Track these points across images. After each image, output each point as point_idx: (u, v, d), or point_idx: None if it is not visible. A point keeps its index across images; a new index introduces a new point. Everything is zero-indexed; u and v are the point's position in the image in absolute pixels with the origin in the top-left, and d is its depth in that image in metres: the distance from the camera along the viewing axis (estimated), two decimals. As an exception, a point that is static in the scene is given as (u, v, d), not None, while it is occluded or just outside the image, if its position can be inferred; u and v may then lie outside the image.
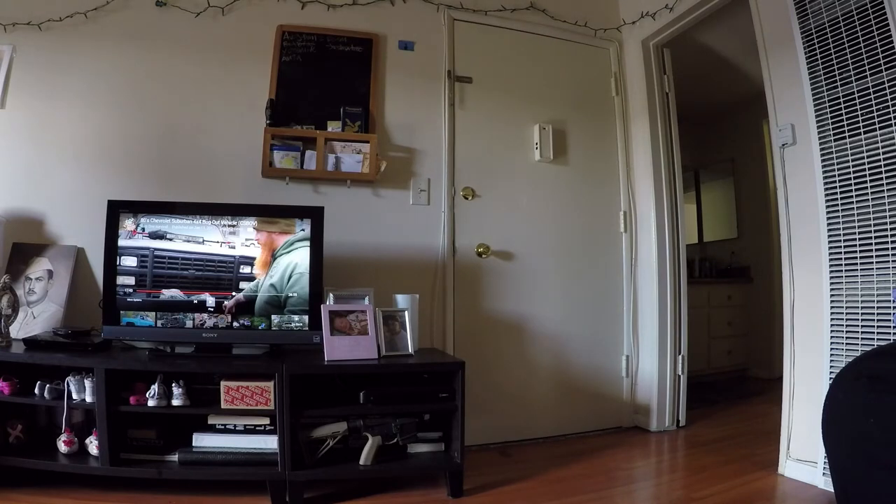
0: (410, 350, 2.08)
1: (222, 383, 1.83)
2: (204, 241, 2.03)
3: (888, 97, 1.80)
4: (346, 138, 2.45)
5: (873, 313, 1.85)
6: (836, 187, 1.97)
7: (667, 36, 2.84)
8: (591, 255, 2.84)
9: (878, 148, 1.84)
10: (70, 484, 1.81)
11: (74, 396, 1.81)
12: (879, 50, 1.82)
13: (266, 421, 1.89)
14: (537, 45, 2.83)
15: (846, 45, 1.91)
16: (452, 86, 2.67)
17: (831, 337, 1.97)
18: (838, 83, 1.95)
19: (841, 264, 1.96)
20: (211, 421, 1.90)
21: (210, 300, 2.02)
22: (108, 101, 2.34)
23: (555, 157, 2.76)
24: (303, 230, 2.08)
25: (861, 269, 1.90)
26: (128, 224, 2.02)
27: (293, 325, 2.04)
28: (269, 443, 1.87)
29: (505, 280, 2.65)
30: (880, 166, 1.83)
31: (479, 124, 2.69)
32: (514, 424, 2.61)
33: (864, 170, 1.88)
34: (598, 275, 2.84)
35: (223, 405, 1.82)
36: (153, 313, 2.00)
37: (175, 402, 1.82)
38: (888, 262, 1.82)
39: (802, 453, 2.06)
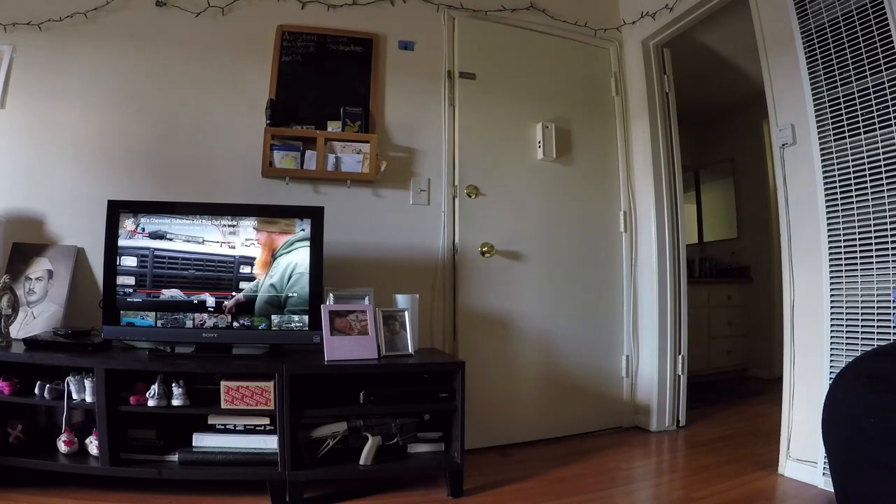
0: (410, 350, 2.08)
1: (222, 383, 1.83)
2: (204, 241, 2.04)
3: (888, 97, 1.80)
4: (346, 138, 2.45)
5: (873, 313, 1.85)
6: (836, 187, 1.97)
7: (667, 36, 2.84)
8: (592, 254, 2.83)
9: (878, 148, 1.84)
10: (70, 484, 1.81)
11: (74, 396, 1.81)
12: (879, 50, 1.82)
13: (266, 421, 1.89)
14: (538, 45, 2.82)
15: (846, 45, 1.91)
16: (453, 85, 2.66)
17: (831, 337, 1.97)
18: (838, 83, 1.95)
19: (841, 264, 1.96)
20: (211, 421, 1.90)
21: (210, 300, 2.02)
22: (108, 101, 2.34)
23: (557, 157, 2.75)
24: (303, 230, 2.08)
25: (861, 269, 1.90)
26: (128, 224, 2.02)
27: (293, 325, 2.04)
28: (269, 443, 1.87)
29: (506, 279, 2.63)
30: (880, 166, 1.83)
31: (482, 121, 2.66)
32: (515, 426, 2.59)
33: (864, 170, 1.88)
34: (598, 275, 2.84)
35: (223, 405, 1.82)
36: (153, 313, 2.00)
37: (175, 402, 1.82)
38: (888, 262, 1.82)
39: (802, 453, 2.06)
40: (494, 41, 2.74)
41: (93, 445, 1.83)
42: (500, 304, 2.62)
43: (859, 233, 1.90)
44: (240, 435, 1.88)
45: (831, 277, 1.98)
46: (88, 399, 1.80)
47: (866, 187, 1.88)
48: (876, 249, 1.85)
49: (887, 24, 1.79)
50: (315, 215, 2.10)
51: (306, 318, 2.04)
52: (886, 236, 1.82)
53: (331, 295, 2.12)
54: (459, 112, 2.63)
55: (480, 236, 2.60)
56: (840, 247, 1.96)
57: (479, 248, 2.58)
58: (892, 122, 1.80)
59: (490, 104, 2.69)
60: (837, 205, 1.96)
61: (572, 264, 2.78)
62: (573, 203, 2.81)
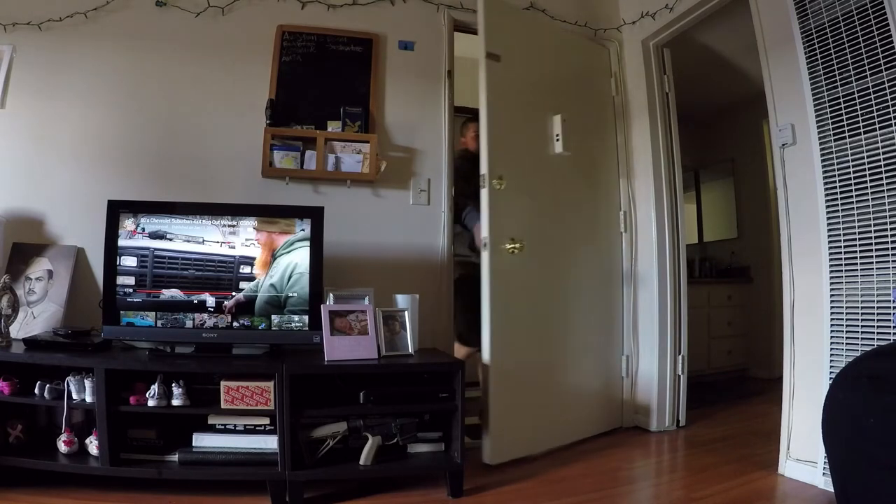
0: (410, 350, 2.08)
1: (222, 383, 1.83)
2: (204, 241, 2.03)
3: (888, 97, 1.80)
4: (346, 138, 2.46)
5: (873, 313, 1.85)
6: (836, 187, 1.96)
7: (667, 36, 2.84)
8: (594, 254, 2.81)
9: (878, 148, 1.84)
10: (70, 484, 1.81)
11: (74, 396, 1.81)
12: (879, 50, 1.82)
13: (266, 421, 1.89)
14: (546, 41, 2.73)
15: (846, 45, 1.91)
16: (452, 84, 2.66)
17: (831, 337, 1.96)
18: (838, 83, 1.95)
19: (841, 264, 1.95)
20: (211, 421, 1.90)
21: (210, 300, 2.02)
22: (107, 101, 2.34)
23: (570, 152, 2.61)
24: (303, 230, 2.08)
25: (861, 270, 1.89)
26: (128, 224, 2.02)
27: (293, 325, 2.04)
28: (269, 443, 1.87)
29: (525, 277, 2.44)
30: (880, 166, 1.83)
31: (506, 107, 2.44)
32: (531, 435, 2.40)
33: (864, 170, 1.88)
34: (598, 274, 2.83)
35: (223, 405, 1.82)
36: (153, 313, 2.00)
37: (175, 402, 1.82)
38: (888, 262, 1.82)
39: (802, 453, 2.06)
40: (514, 28, 2.56)
41: (93, 445, 1.83)
42: (520, 305, 2.42)
43: (859, 233, 1.90)
44: (240, 435, 1.88)
45: (831, 277, 1.98)
46: (88, 399, 1.80)
47: (866, 187, 1.88)
48: (876, 249, 1.85)
49: (887, 24, 1.79)
50: (315, 215, 2.10)
51: (306, 318, 2.04)
52: (886, 236, 1.82)
53: (331, 295, 2.12)
54: (488, 93, 2.34)
55: (506, 231, 2.35)
56: (840, 247, 1.96)
57: (505, 243, 2.34)
58: (892, 122, 1.80)
59: (513, 90, 2.47)
60: (837, 205, 1.96)
61: (575, 263, 2.71)
62: (578, 201, 2.76)
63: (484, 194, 2.31)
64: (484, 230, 2.31)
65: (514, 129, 2.47)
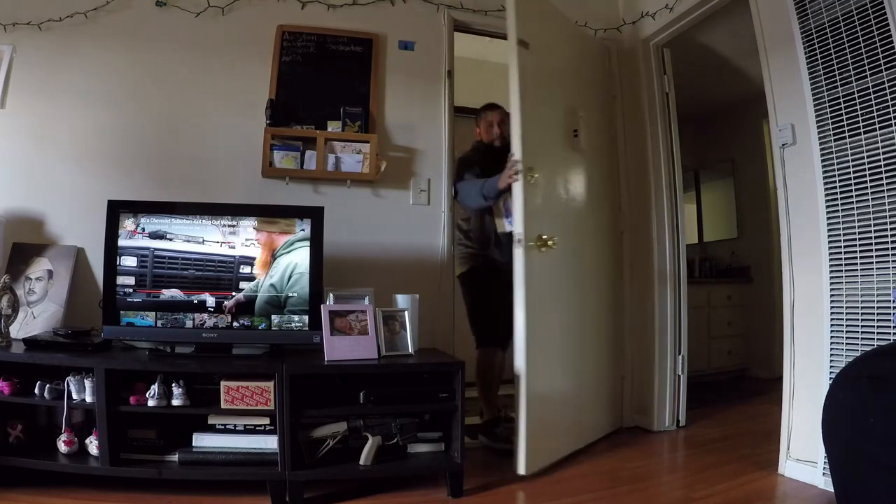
0: (410, 350, 2.08)
1: (222, 383, 1.83)
2: (204, 241, 2.03)
3: (888, 97, 1.80)
4: (346, 138, 2.46)
5: (873, 313, 1.85)
6: (836, 187, 1.96)
7: (667, 36, 2.84)
8: (599, 252, 2.78)
9: (878, 148, 1.84)
10: (70, 484, 1.81)
11: (74, 396, 1.81)
12: (879, 50, 1.82)
13: (266, 421, 1.89)
14: (555, 40, 2.62)
15: (846, 45, 1.91)
16: (452, 84, 2.66)
17: (831, 337, 1.96)
18: (838, 83, 1.95)
19: (841, 264, 1.95)
20: (211, 421, 1.90)
21: (210, 300, 2.02)
22: (107, 101, 2.34)
23: (584, 148, 2.59)
24: (303, 230, 2.08)
25: (861, 270, 1.89)
26: (128, 224, 2.02)
27: (293, 325, 2.04)
28: (269, 443, 1.87)
29: (548, 277, 2.34)
30: (880, 166, 1.83)
31: (534, 96, 2.31)
32: (550, 440, 2.29)
33: (864, 170, 1.88)
34: (598, 274, 2.82)
35: (223, 405, 1.82)
36: (153, 313, 2.00)
37: (175, 402, 1.82)
38: (888, 262, 1.82)
39: (802, 453, 2.06)
40: (536, 19, 2.45)
41: (93, 445, 1.83)
42: (551, 309, 2.35)
43: (859, 233, 1.90)
44: (240, 435, 1.88)
45: (831, 277, 1.98)
46: (88, 399, 1.80)
47: (866, 187, 1.88)
48: (876, 249, 1.85)
49: (887, 24, 1.79)
50: (315, 215, 2.10)
51: (306, 318, 2.04)
52: (886, 236, 1.82)
53: (331, 295, 2.12)
54: (520, 79, 2.23)
55: (539, 228, 2.26)
56: (840, 247, 1.96)
57: (538, 241, 2.22)
58: (892, 122, 1.80)
59: (538, 80, 2.37)
60: (837, 205, 1.96)
61: (589, 263, 2.66)
62: (586, 199, 2.69)
63: (517, 188, 2.18)
64: (518, 226, 2.18)
65: (539, 121, 2.37)
